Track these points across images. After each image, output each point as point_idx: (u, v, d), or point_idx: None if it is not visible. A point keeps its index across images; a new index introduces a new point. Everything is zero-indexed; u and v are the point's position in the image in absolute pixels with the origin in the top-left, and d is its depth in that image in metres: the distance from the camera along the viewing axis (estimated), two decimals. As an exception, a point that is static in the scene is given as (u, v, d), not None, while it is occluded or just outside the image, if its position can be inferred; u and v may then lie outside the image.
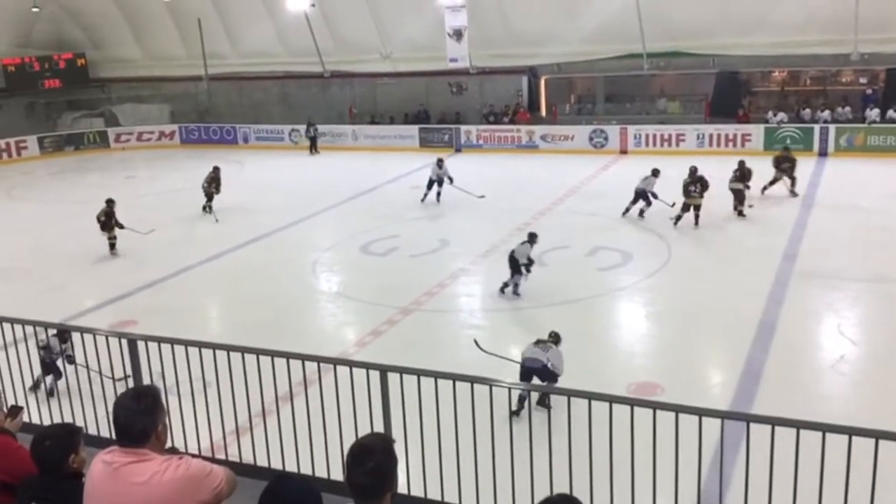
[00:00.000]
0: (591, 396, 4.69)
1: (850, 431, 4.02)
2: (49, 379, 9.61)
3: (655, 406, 4.66)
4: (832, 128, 23.81)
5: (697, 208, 17.08)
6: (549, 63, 28.06)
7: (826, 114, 24.64)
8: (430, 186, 20.46)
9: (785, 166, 19.24)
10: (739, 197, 17.66)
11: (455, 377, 4.93)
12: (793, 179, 19.24)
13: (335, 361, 5.52)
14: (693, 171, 17.38)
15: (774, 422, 4.23)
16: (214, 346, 5.55)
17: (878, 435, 3.97)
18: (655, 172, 17.96)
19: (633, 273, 14.83)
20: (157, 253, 16.92)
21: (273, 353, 5.26)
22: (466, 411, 4.98)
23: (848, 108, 24.66)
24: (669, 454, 4.52)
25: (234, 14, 30.66)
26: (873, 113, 23.97)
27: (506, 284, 13.51)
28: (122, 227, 16.83)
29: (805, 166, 22.14)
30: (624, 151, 26.14)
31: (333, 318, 13.71)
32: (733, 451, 6.22)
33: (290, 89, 33.15)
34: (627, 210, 18.05)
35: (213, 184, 20.77)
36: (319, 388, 5.23)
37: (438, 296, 13.97)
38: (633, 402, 4.71)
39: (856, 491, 4.20)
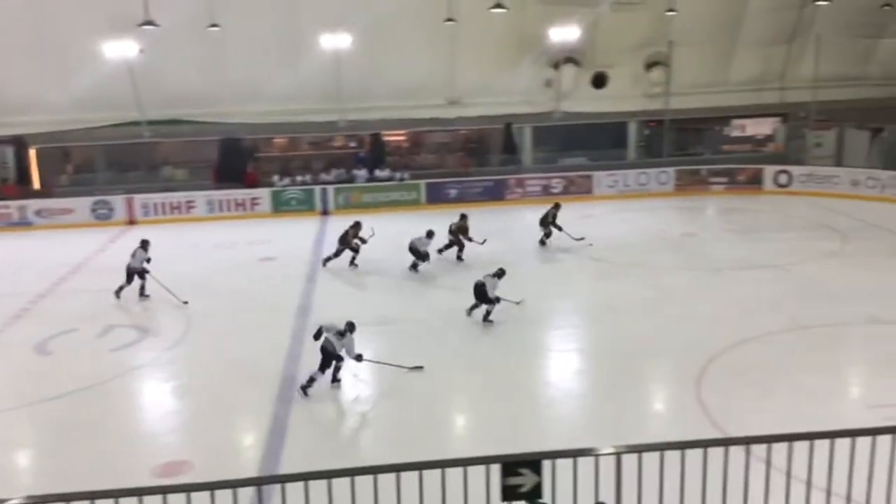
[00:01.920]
0: (96, 495, 4.15)
1: (366, 471, 4.15)
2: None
3: (176, 490, 4.29)
4: (331, 188, 25.90)
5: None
6: (38, 132, 25.60)
7: (329, 175, 26.75)
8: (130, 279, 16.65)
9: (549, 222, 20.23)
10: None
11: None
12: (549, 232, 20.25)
13: None
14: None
15: (288, 478, 4.19)
16: None
17: (398, 468, 4.21)
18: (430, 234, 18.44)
19: (151, 348, 14.07)
20: None
21: None
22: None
23: (343, 170, 27.10)
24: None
25: None
26: (361, 173, 26.73)
27: (312, 380, 11.82)
28: None
29: (310, 225, 23.71)
30: (132, 221, 24.98)
31: None
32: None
33: None
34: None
35: None
36: None
37: None
38: (152, 491, 4.28)
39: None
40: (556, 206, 20.56)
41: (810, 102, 26.62)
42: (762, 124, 29.21)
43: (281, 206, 25.53)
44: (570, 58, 26.36)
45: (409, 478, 4.32)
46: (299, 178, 26.48)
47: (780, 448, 4.46)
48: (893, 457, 4.49)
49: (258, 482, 4.36)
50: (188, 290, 16.90)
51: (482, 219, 23.73)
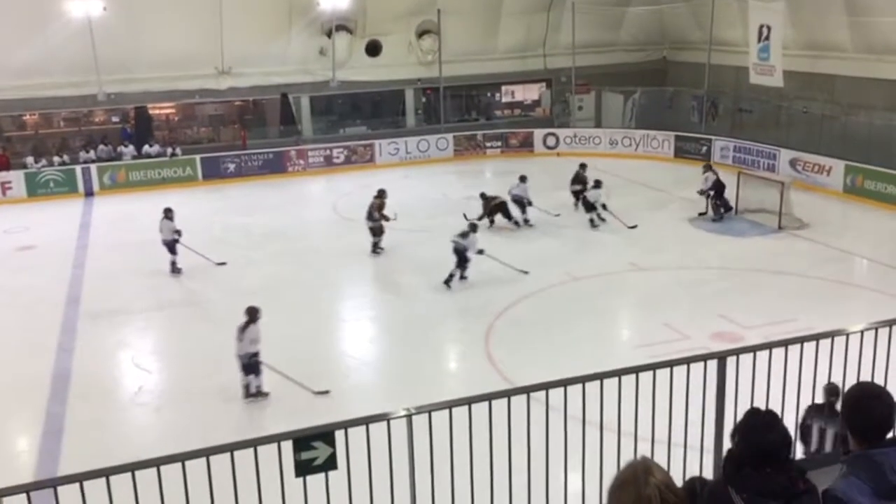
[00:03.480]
0: None
1: (148, 464, 4.02)
2: None
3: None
4: (94, 167, 23.98)
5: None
6: None
7: (91, 154, 24.70)
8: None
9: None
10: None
11: None
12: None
13: None
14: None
15: (62, 481, 3.89)
16: None
17: (184, 457, 4.09)
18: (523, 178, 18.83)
19: None
20: None
21: None
22: None
23: (110, 147, 25.16)
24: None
25: None
26: (129, 150, 24.98)
27: (451, 276, 14.58)
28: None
29: (73, 208, 21.94)
30: None
31: None
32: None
33: None
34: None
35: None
36: None
37: None
38: None
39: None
40: (583, 166, 20.39)
41: (570, 68, 28.37)
42: (530, 90, 30.74)
43: (37, 190, 23.31)
44: (342, 26, 26.15)
45: (197, 466, 4.13)
46: (57, 159, 24.28)
47: (557, 391, 4.76)
48: (654, 390, 4.94)
49: (26, 489, 3.95)
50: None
51: (264, 193, 23.25)
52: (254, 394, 10.59)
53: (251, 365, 10.53)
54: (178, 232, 15.87)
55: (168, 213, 16.03)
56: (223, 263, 16.25)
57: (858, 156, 20.60)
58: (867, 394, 3.04)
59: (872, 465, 2.83)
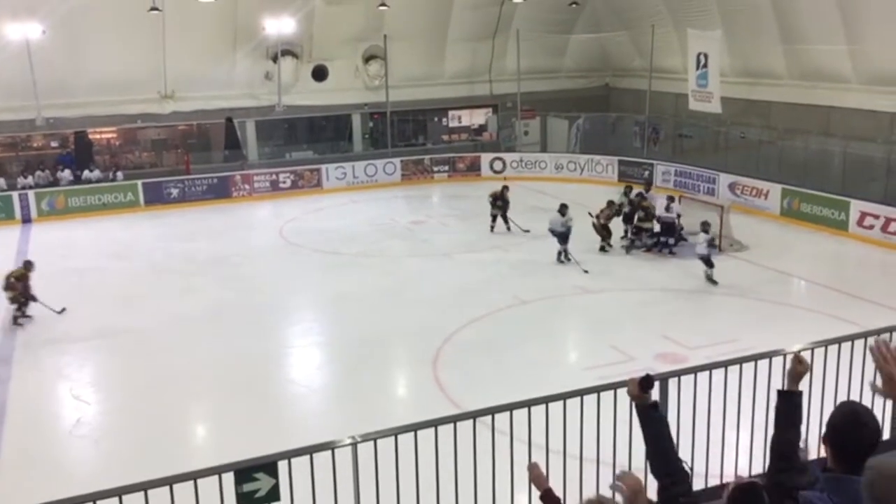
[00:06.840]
0: None
1: (84, 499, 3.86)
2: None
3: None
4: (31, 193, 23.35)
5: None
6: None
7: (29, 179, 24.05)
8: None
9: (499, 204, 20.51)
10: None
11: None
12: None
13: None
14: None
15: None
16: None
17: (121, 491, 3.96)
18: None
19: None
20: None
21: None
22: None
23: (48, 172, 24.56)
24: None
25: None
26: (66, 174, 24.41)
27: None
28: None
29: (10, 235, 21.33)
30: None
31: None
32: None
33: None
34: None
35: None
36: None
37: None
38: None
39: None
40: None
41: (515, 94, 28.71)
42: (476, 115, 30.99)
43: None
44: (288, 50, 26.08)
45: (135, 500, 4.02)
46: (-5, 183, 23.62)
47: (504, 415, 4.77)
48: (599, 412, 4.98)
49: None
50: None
51: (208, 218, 22.97)
52: None
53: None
54: (569, 228, 17.55)
55: (563, 210, 17.66)
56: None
57: (794, 179, 21.22)
58: (858, 420, 3.00)
59: (850, 491, 2.83)
